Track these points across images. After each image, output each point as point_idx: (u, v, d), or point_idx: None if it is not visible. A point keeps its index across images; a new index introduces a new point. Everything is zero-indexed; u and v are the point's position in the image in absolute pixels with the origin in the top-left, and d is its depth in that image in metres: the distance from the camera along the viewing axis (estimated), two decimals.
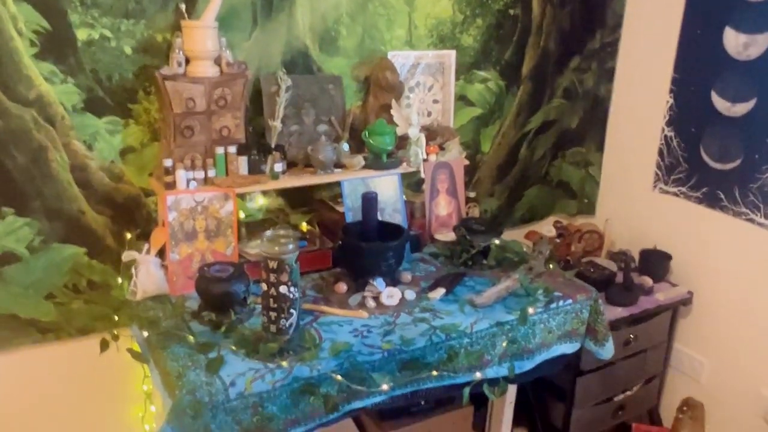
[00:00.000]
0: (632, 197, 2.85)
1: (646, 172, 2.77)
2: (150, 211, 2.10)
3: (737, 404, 2.54)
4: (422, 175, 2.28)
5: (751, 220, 2.40)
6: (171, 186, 1.91)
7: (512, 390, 2.32)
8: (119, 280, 2.01)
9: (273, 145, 2.07)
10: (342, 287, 1.95)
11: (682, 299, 2.62)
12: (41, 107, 1.88)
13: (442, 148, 2.35)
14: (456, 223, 2.34)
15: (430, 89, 2.47)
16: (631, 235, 2.82)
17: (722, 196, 2.48)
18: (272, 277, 1.57)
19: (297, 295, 1.60)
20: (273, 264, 1.56)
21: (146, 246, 1.89)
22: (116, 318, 2.03)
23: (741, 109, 2.38)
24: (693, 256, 2.63)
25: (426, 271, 2.15)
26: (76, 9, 1.85)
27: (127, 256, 1.89)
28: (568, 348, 2.05)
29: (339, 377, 1.61)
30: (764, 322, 2.42)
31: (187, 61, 1.94)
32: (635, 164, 2.82)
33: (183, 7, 1.92)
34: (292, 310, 1.60)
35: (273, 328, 1.61)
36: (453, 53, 2.47)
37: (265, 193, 2.25)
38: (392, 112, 2.24)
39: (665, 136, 2.66)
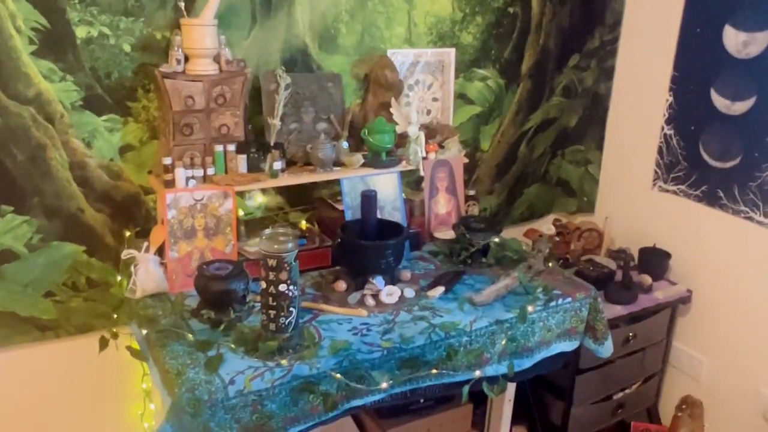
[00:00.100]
0: (631, 195, 2.85)
1: (645, 170, 2.77)
2: (149, 209, 2.10)
3: (736, 402, 2.55)
4: (421, 174, 2.28)
5: (751, 219, 2.40)
6: (170, 184, 1.91)
7: (511, 388, 2.32)
8: (118, 278, 2.02)
9: (272, 143, 2.07)
10: (341, 285, 1.94)
11: (681, 297, 2.62)
12: (40, 105, 1.87)
13: (441, 146, 2.35)
14: (455, 221, 2.34)
15: (430, 87, 2.47)
16: (630, 233, 2.82)
17: (722, 194, 2.48)
18: (271, 275, 1.57)
19: (296, 293, 1.60)
20: (272, 262, 1.56)
21: (145, 244, 1.89)
22: (115, 316, 2.02)
23: (740, 107, 2.38)
24: (692, 254, 2.63)
25: (425, 269, 2.15)
26: (75, 6, 1.85)
27: (126, 254, 1.89)
28: (567, 346, 2.05)
29: (338, 375, 1.61)
30: (763, 321, 2.42)
31: (186, 59, 1.94)
32: (635, 162, 2.82)
33: (182, 4, 1.92)
34: (291, 309, 1.60)
35: (272, 326, 1.61)
36: (452, 51, 2.47)
37: (264, 191, 2.25)
38: (392, 110, 2.24)
39: (665, 135, 2.66)
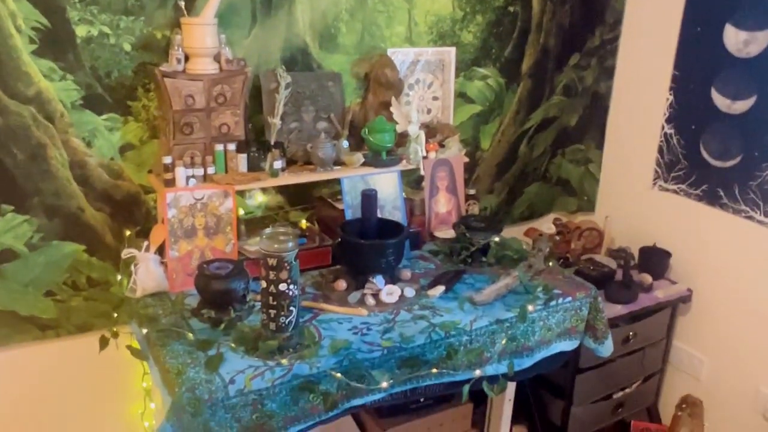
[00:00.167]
0: (632, 195, 2.85)
1: (645, 169, 2.77)
2: (149, 208, 2.10)
3: (736, 401, 2.55)
4: (422, 173, 2.28)
5: (751, 218, 2.40)
6: (170, 183, 1.91)
7: (511, 387, 2.32)
8: (119, 277, 2.02)
9: (272, 143, 2.07)
10: (341, 285, 1.95)
11: (681, 297, 2.62)
12: (40, 104, 1.87)
13: (441, 145, 2.35)
14: (455, 220, 2.34)
15: (430, 86, 2.47)
16: (630, 232, 2.82)
17: (722, 193, 2.48)
18: (272, 275, 1.57)
19: (296, 292, 1.60)
20: (272, 261, 1.56)
21: (146, 243, 1.89)
22: (116, 315, 2.02)
23: (741, 106, 2.37)
24: (692, 253, 2.63)
25: (425, 268, 2.15)
26: (75, 6, 1.85)
27: (126, 253, 1.89)
28: (568, 345, 2.05)
29: (338, 375, 1.61)
30: (764, 320, 2.42)
31: (187, 58, 1.94)
32: (635, 161, 2.81)
33: (182, 3, 1.91)
34: (291, 308, 1.60)
35: (272, 325, 1.61)
36: (453, 50, 2.47)
37: (264, 190, 2.25)
38: (392, 109, 2.24)
39: (665, 134, 2.66)
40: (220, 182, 1.96)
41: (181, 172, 1.91)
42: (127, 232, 2.05)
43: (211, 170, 1.98)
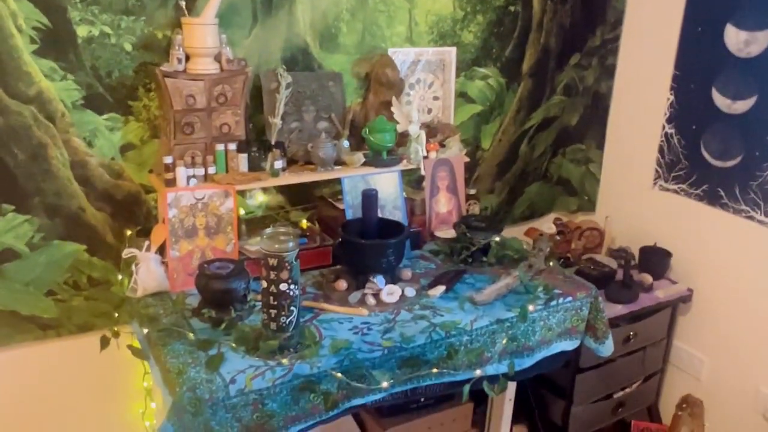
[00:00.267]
0: (632, 194, 2.85)
1: (646, 169, 2.77)
2: (150, 208, 2.10)
3: (737, 401, 2.55)
4: (422, 172, 2.28)
5: (751, 218, 2.40)
6: (171, 183, 1.91)
7: (512, 387, 2.32)
8: (119, 276, 2.02)
9: (273, 142, 2.07)
10: (342, 284, 1.95)
11: (681, 296, 2.62)
12: (41, 104, 1.88)
13: (442, 145, 2.35)
14: (456, 220, 2.34)
15: (431, 86, 2.47)
16: (631, 232, 2.82)
17: (722, 193, 2.48)
18: (272, 275, 1.57)
19: (297, 292, 1.60)
20: (273, 261, 1.56)
21: (146, 243, 1.89)
22: (116, 315, 2.03)
23: (741, 106, 2.37)
24: (693, 253, 2.63)
25: (426, 268, 2.15)
26: (76, 6, 1.85)
27: (127, 252, 1.89)
28: (568, 345, 2.05)
29: (339, 375, 1.61)
30: (764, 320, 2.42)
31: (187, 58, 1.94)
32: (635, 161, 2.81)
33: (183, 3, 1.92)
34: (292, 308, 1.60)
35: (273, 325, 1.61)
36: (453, 50, 2.47)
37: (265, 190, 2.25)
38: (392, 109, 2.24)
39: (666, 134, 2.66)
40: (220, 182, 1.96)
41: (181, 172, 1.91)
42: (128, 232, 2.05)
43: (211, 170, 1.98)
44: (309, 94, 2.20)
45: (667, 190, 2.69)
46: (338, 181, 2.14)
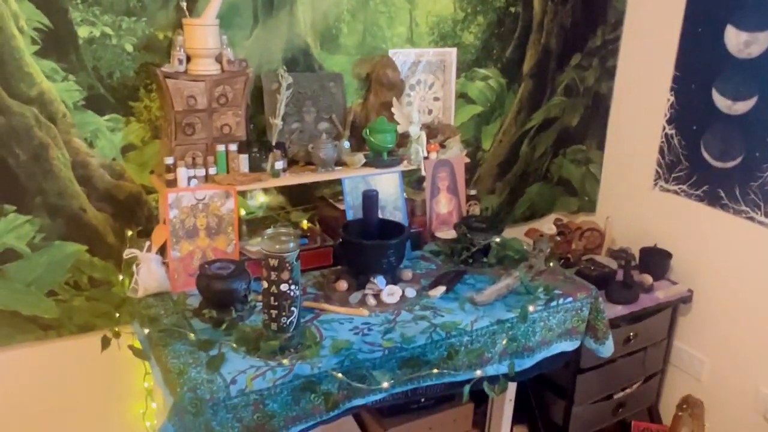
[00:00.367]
0: (633, 195, 2.85)
1: (646, 170, 2.77)
2: (151, 208, 2.10)
3: (737, 402, 2.55)
4: (423, 173, 2.28)
5: (752, 219, 2.40)
6: (172, 183, 1.91)
7: (512, 387, 2.32)
8: (120, 277, 2.02)
9: (274, 143, 2.08)
10: (343, 285, 1.95)
11: (682, 297, 2.62)
12: (43, 105, 1.88)
13: (443, 145, 2.35)
14: (457, 220, 2.34)
15: (431, 87, 2.47)
16: (631, 233, 2.82)
17: (723, 194, 2.48)
18: (273, 275, 1.57)
19: (298, 292, 1.61)
20: (274, 262, 1.56)
21: (147, 243, 1.90)
22: (117, 315, 2.03)
23: (742, 107, 2.38)
24: (693, 254, 2.63)
25: (426, 268, 2.15)
26: (78, 6, 1.85)
27: (128, 253, 1.90)
28: (568, 346, 2.05)
29: (340, 375, 1.62)
30: (764, 321, 2.42)
31: (188, 58, 1.94)
32: (636, 162, 2.81)
33: (184, 4, 1.92)
34: (292, 308, 1.61)
35: (274, 325, 1.62)
36: (454, 51, 2.47)
37: (266, 190, 2.25)
38: (393, 109, 2.24)
39: (666, 134, 2.66)
40: (221, 183, 1.96)
41: (182, 173, 1.91)
42: (129, 233, 2.06)
43: (212, 171, 1.99)
44: (310, 94, 2.20)
45: (668, 190, 2.70)
46: (339, 181, 2.15)
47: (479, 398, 2.33)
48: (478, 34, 2.53)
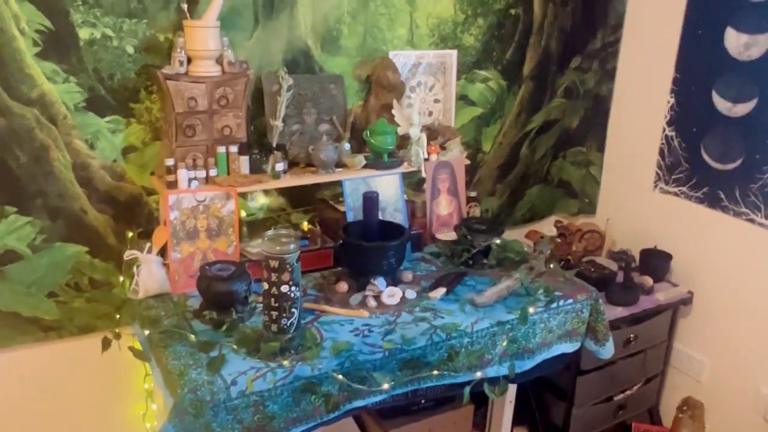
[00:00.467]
0: (633, 197, 2.85)
1: (646, 171, 2.77)
2: (152, 210, 2.11)
3: (737, 403, 2.55)
4: (423, 175, 2.29)
5: (752, 221, 2.40)
6: (173, 185, 1.91)
7: (512, 389, 2.32)
8: (121, 278, 2.02)
9: (274, 145, 2.08)
10: (343, 286, 1.95)
11: (682, 299, 2.62)
12: (43, 106, 1.88)
13: (443, 147, 2.36)
14: (457, 222, 2.34)
15: (432, 89, 2.47)
16: (631, 234, 2.82)
17: (723, 196, 2.48)
18: (273, 277, 1.57)
19: (298, 294, 1.61)
20: (274, 263, 1.56)
21: (148, 245, 1.90)
22: (118, 316, 2.03)
23: (742, 109, 2.38)
24: (693, 256, 2.63)
25: (427, 270, 2.16)
26: (79, 8, 1.86)
27: (128, 254, 1.90)
28: (569, 347, 2.06)
29: (340, 376, 1.62)
30: (764, 322, 2.42)
31: (189, 60, 1.94)
32: (636, 164, 2.82)
33: (185, 6, 1.92)
34: (293, 310, 1.61)
35: (274, 327, 1.62)
36: (454, 53, 2.48)
37: (266, 192, 2.25)
38: (393, 111, 2.25)
39: (666, 136, 2.66)
40: (222, 184, 1.97)
41: (183, 174, 1.92)
42: (130, 234, 2.06)
43: (213, 172, 1.99)
44: (310, 96, 2.20)
45: (668, 192, 2.70)
46: (339, 183, 2.15)
47: (479, 400, 2.33)
48: (478, 36, 2.54)
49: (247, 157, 2.01)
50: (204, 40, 1.90)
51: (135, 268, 1.88)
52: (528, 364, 1.97)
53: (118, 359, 1.93)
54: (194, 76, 1.93)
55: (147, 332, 1.75)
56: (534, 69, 2.72)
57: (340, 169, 2.15)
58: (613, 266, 2.57)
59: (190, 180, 1.93)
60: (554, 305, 1.97)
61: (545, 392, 2.61)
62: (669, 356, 2.76)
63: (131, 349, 1.81)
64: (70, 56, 1.88)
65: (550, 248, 2.16)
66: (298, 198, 2.32)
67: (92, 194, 2.01)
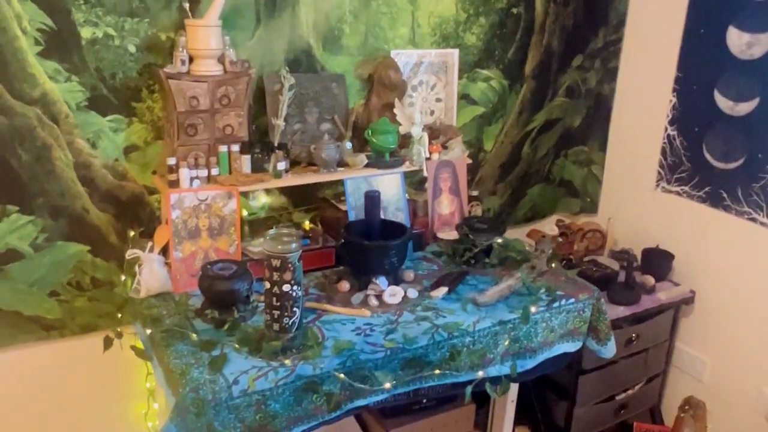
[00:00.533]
0: (635, 196, 2.85)
1: (648, 171, 2.77)
2: (153, 209, 2.11)
3: (739, 403, 2.55)
4: (425, 174, 2.29)
5: (754, 220, 2.40)
6: (174, 184, 1.91)
7: (514, 388, 2.32)
8: (123, 277, 2.02)
9: (276, 144, 2.08)
10: (345, 286, 1.95)
11: (684, 298, 2.62)
12: (45, 105, 1.88)
13: (444, 146, 2.36)
14: (458, 221, 2.34)
15: (433, 88, 2.47)
16: (633, 234, 2.82)
17: (725, 195, 2.48)
18: (275, 276, 1.57)
19: (300, 293, 1.61)
20: (276, 262, 1.56)
21: (150, 244, 1.90)
22: (120, 315, 2.03)
23: (744, 108, 2.38)
24: (695, 255, 2.63)
25: (428, 269, 2.15)
26: (81, 7, 1.86)
27: (130, 253, 1.90)
28: (570, 347, 2.05)
29: (342, 375, 1.62)
30: (766, 321, 2.42)
31: (191, 59, 1.94)
32: (638, 163, 2.81)
33: (187, 5, 1.92)
34: (295, 309, 1.61)
35: (276, 326, 1.62)
36: (456, 52, 2.48)
37: (268, 191, 2.25)
38: (395, 110, 2.25)
39: (668, 135, 2.66)
40: (223, 183, 1.97)
41: (185, 173, 1.92)
42: (131, 233, 2.06)
43: (214, 171, 1.99)
44: (312, 95, 2.20)
45: (670, 191, 2.70)
46: (341, 182, 2.15)
47: (481, 399, 2.33)
48: (480, 35, 2.54)
49: (248, 156, 2.01)
50: (206, 39, 1.90)
51: (137, 267, 1.88)
52: (530, 364, 1.97)
53: (120, 358, 1.93)
54: (196, 75, 1.93)
55: (149, 331, 1.75)
56: (536, 68, 2.72)
57: (342, 169, 2.15)
58: (615, 265, 2.57)
59: (191, 179, 1.94)
60: (556, 304, 1.97)
61: (547, 392, 2.61)
62: (671, 356, 2.76)
63: (133, 348, 1.81)
64: (72, 55, 1.88)
65: (551, 247, 2.16)
66: (299, 197, 2.32)
67: (94, 193, 2.01)
